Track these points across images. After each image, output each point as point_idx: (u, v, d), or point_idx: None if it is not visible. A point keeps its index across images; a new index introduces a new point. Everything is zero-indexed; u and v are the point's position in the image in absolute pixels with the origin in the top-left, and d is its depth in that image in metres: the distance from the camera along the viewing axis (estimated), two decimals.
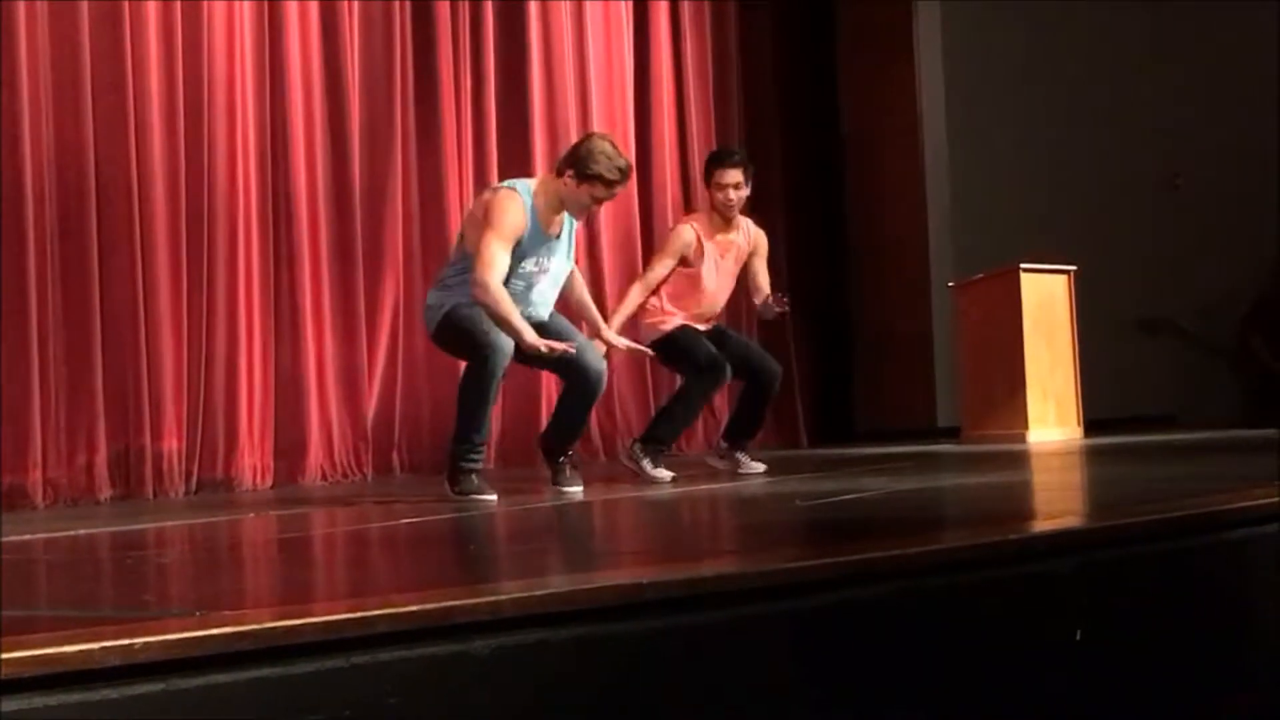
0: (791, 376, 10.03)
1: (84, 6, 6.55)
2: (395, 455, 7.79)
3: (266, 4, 7.38)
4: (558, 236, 5.65)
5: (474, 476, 5.49)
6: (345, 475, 7.48)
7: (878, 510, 4.40)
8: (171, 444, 6.70)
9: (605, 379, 5.75)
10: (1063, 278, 8.96)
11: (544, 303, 5.70)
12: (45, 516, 5.76)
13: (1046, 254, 8.91)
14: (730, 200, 6.47)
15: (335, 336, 7.56)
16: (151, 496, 6.55)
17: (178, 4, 6.92)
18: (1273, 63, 11.15)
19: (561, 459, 5.82)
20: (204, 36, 7.02)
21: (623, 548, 3.95)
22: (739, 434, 6.80)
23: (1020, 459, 6.99)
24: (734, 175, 6.47)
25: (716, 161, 6.61)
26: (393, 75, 7.92)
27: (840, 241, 10.71)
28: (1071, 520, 3.73)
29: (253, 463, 7.07)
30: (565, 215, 5.66)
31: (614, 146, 5.61)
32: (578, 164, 5.54)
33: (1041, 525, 3.66)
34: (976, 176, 10.46)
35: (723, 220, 6.54)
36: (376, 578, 3.40)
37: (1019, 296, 8.64)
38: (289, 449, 7.29)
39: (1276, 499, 3.39)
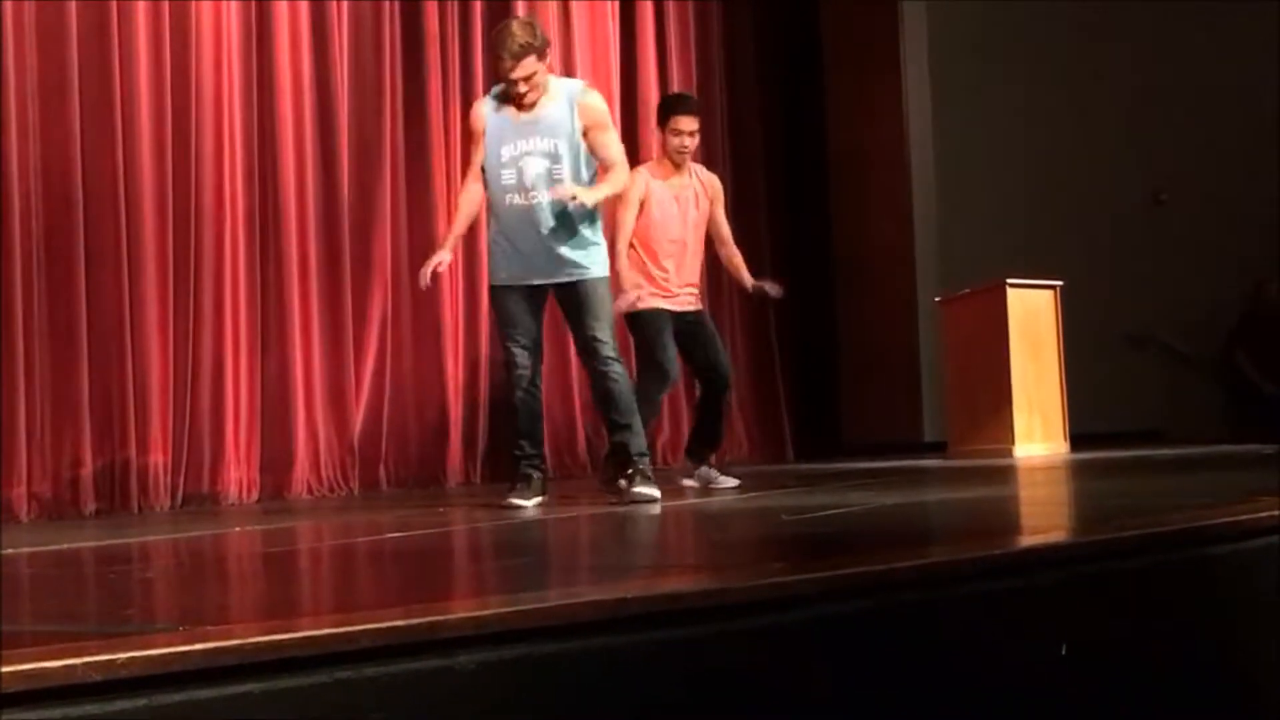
0: (778, 391, 10.05)
1: (72, 19, 6.55)
2: (382, 469, 7.78)
3: (254, 15, 7.38)
4: (535, 119, 5.65)
5: (518, 484, 5.70)
6: (331, 489, 7.47)
7: (863, 525, 4.40)
8: (157, 458, 6.69)
9: (609, 373, 5.71)
10: (1049, 293, 8.98)
11: (539, 178, 5.62)
12: (30, 530, 5.74)
13: (1033, 269, 8.93)
14: (685, 146, 6.55)
15: (322, 350, 7.55)
16: (137, 510, 6.53)
17: (165, 15, 6.92)
18: (1256, 78, 11.20)
19: (630, 469, 5.75)
20: (192, 48, 7.02)
21: (605, 563, 3.95)
22: (701, 445, 6.78)
23: (1006, 474, 6.99)
24: (691, 123, 6.56)
25: (673, 108, 6.66)
26: (382, 86, 7.92)
27: (827, 255, 10.71)
28: (1057, 535, 3.73)
29: (238, 477, 7.06)
30: (547, 99, 5.66)
31: (518, 25, 5.64)
32: None
33: (1027, 540, 3.66)
34: (963, 192, 10.47)
35: (673, 165, 6.59)
36: (361, 592, 3.39)
37: (1005, 312, 8.66)
38: (275, 463, 7.27)
39: (1262, 514, 3.39)
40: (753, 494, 6.13)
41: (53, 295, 6.41)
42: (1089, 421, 9.34)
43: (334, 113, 7.67)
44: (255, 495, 7.12)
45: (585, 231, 5.69)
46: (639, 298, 6.41)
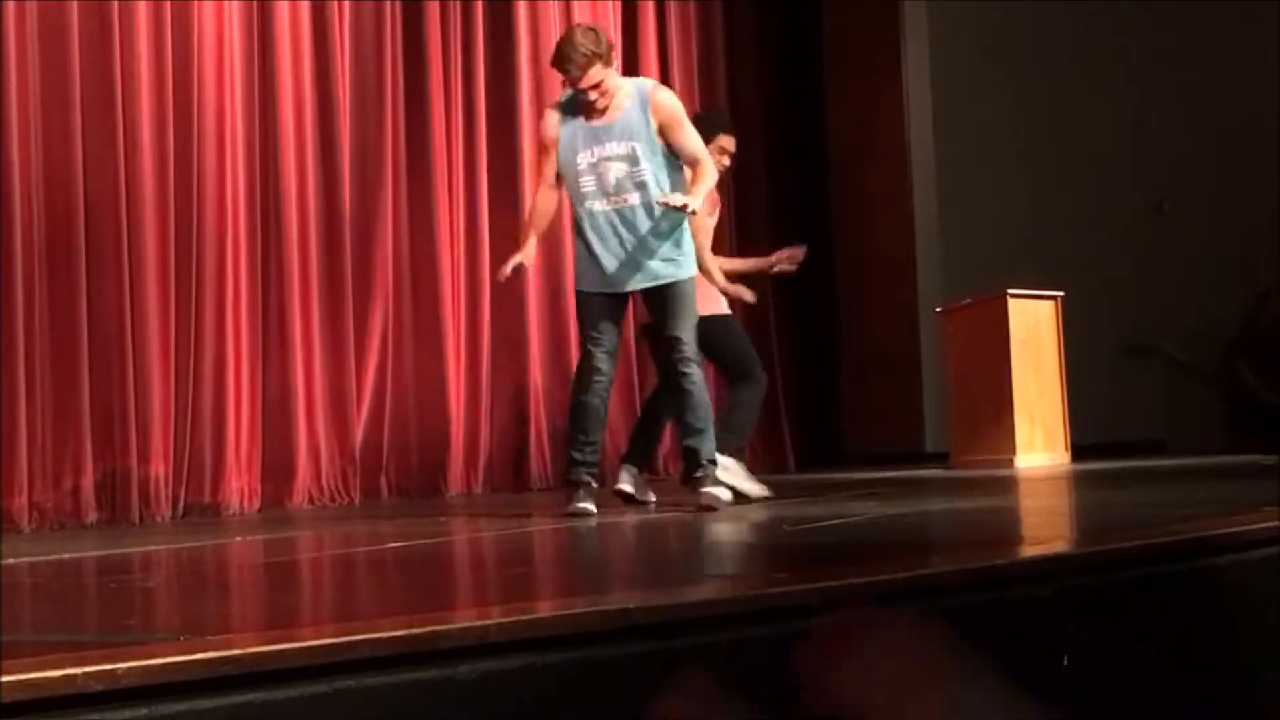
0: (778, 400, 10.03)
1: (73, 27, 6.55)
2: (383, 478, 7.77)
3: (256, 25, 7.39)
4: (610, 123, 5.58)
5: (580, 489, 5.58)
6: (333, 499, 7.46)
7: (865, 535, 4.40)
8: (158, 467, 6.68)
9: (689, 376, 5.62)
10: (1050, 303, 8.98)
11: (621, 182, 5.57)
12: (31, 540, 5.73)
13: (1034, 274, 8.92)
14: (725, 166, 6.52)
15: (323, 359, 7.55)
16: (138, 520, 6.52)
17: (168, 24, 6.93)
18: (1259, 89, 11.20)
19: (700, 474, 5.67)
20: (194, 57, 7.03)
21: (608, 572, 3.94)
22: (644, 455, 6.58)
23: (1007, 484, 6.99)
24: (734, 143, 6.59)
25: (722, 127, 6.60)
26: (383, 91, 7.93)
27: (828, 259, 10.68)
28: (1059, 545, 3.73)
29: (240, 486, 7.05)
30: (619, 102, 5.59)
31: (581, 34, 5.55)
32: None
33: (1029, 550, 3.66)
34: (964, 194, 10.46)
35: None
36: (362, 601, 3.39)
37: (1006, 322, 8.65)
38: (276, 472, 7.27)
39: (1264, 524, 3.39)
40: (755, 503, 6.11)
41: (54, 305, 6.42)
42: (1090, 432, 9.33)
43: (335, 119, 7.67)
44: (256, 505, 7.11)
45: (670, 235, 5.62)
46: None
